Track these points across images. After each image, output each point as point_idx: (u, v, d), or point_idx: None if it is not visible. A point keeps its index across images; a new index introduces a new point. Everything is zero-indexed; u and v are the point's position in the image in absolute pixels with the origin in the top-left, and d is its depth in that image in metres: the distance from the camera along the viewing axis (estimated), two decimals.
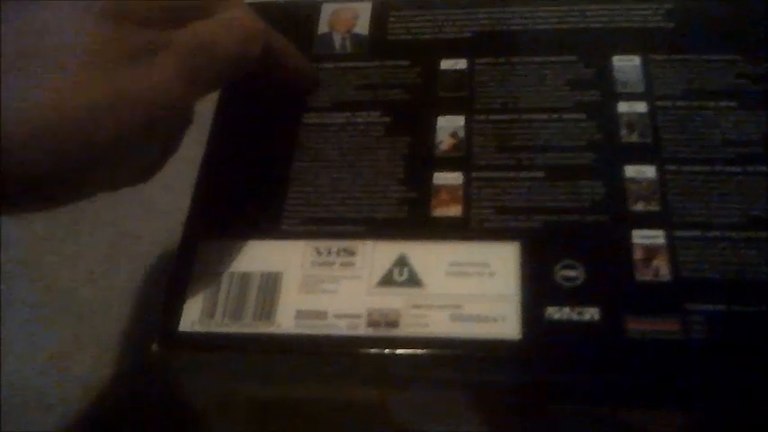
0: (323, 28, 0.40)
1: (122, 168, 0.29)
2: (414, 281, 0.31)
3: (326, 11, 0.40)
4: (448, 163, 0.34)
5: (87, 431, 0.40)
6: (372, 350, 0.30)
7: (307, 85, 0.37)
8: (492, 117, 0.35)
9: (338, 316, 0.30)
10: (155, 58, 0.28)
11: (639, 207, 0.32)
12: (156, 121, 0.28)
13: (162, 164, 0.31)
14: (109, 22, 0.27)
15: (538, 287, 0.30)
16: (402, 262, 0.32)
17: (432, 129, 0.35)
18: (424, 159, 0.34)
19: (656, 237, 0.31)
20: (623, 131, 0.34)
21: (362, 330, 0.30)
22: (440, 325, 0.30)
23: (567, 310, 0.30)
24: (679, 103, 0.34)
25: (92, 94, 0.26)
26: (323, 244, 0.32)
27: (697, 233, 0.31)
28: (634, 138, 0.34)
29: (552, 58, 0.36)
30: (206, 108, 0.37)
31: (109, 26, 0.27)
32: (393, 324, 0.30)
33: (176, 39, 0.29)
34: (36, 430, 0.40)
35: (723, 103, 0.34)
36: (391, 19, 0.39)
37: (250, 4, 0.40)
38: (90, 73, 0.26)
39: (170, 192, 0.40)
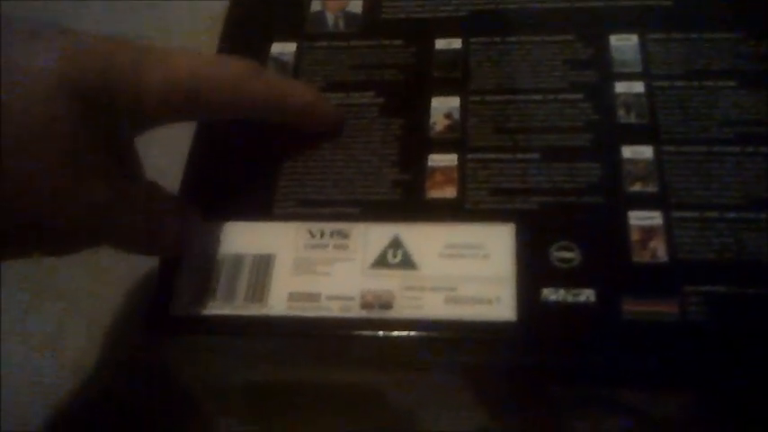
0: (315, 6, 0.39)
1: None
2: (408, 263, 0.31)
3: None
4: (442, 144, 0.34)
5: (81, 414, 0.40)
6: (366, 332, 0.30)
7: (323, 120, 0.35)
8: (487, 98, 0.35)
9: (331, 298, 0.30)
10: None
11: (636, 188, 0.31)
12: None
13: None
14: (78, 112, 0.27)
15: (533, 269, 0.30)
16: (396, 244, 0.31)
17: (426, 110, 0.35)
18: (418, 141, 0.34)
19: (653, 218, 0.31)
20: (620, 112, 0.33)
21: (356, 312, 0.30)
22: (434, 307, 0.30)
23: (562, 291, 0.29)
24: (677, 83, 0.34)
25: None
26: (316, 226, 0.32)
27: (695, 214, 0.31)
28: (631, 118, 0.33)
29: (548, 38, 0.36)
30: None
31: (76, 115, 0.27)
32: (387, 306, 0.30)
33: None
34: (30, 413, 0.39)
35: (722, 83, 0.34)
36: None
37: None
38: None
39: (163, 174, 0.39)
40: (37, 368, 0.41)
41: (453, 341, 0.29)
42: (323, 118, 0.34)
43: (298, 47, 0.38)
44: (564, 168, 0.32)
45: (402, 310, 0.30)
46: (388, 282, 0.30)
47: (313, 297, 0.30)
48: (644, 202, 0.31)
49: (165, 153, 0.36)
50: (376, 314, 0.30)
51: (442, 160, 0.33)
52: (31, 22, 0.28)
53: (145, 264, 0.42)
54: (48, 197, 0.27)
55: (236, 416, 0.36)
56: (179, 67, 0.30)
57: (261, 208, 0.33)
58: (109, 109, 0.28)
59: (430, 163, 0.33)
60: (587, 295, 0.29)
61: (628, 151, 0.32)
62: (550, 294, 0.29)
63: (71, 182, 0.27)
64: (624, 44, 0.35)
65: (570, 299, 0.29)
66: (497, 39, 0.36)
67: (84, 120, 0.27)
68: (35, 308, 0.43)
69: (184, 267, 0.32)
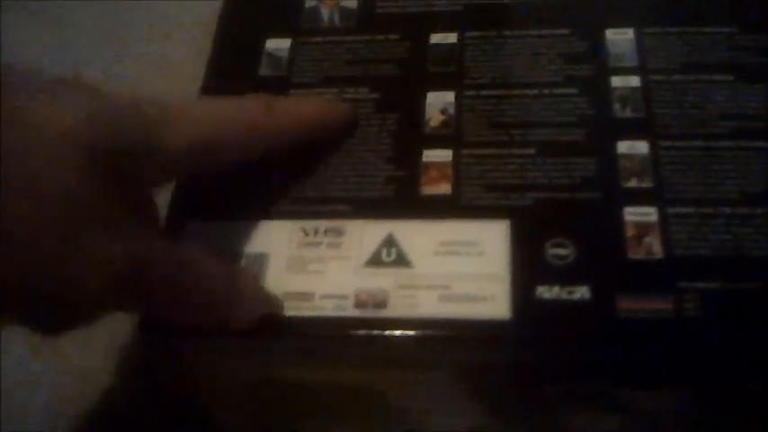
0: (310, 1, 0.39)
1: None
2: (402, 261, 0.31)
3: None
4: (437, 140, 0.33)
5: (81, 415, 0.40)
6: (360, 332, 0.29)
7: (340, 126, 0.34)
8: (482, 92, 0.34)
9: (325, 297, 0.30)
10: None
11: (632, 183, 0.31)
12: None
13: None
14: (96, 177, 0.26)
15: (528, 266, 0.30)
16: (390, 242, 0.31)
17: (421, 105, 0.34)
18: (412, 136, 0.34)
19: (648, 214, 0.30)
20: (616, 106, 0.33)
21: (350, 311, 0.30)
22: (429, 305, 0.29)
23: (557, 289, 0.29)
24: (673, 77, 0.34)
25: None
26: (310, 224, 0.32)
27: (690, 210, 0.30)
28: (627, 113, 0.33)
29: (544, 32, 0.36)
30: (192, 87, 0.37)
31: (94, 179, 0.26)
32: (381, 305, 0.30)
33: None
34: (29, 414, 0.39)
35: (718, 77, 0.33)
36: None
37: None
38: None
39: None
40: (36, 369, 0.41)
41: (448, 340, 0.29)
42: (339, 123, 0.34)
43: (293, 42, 0.37)
44: (559, 164, 0.32)
45: (396, 309, 0.29)
46: (383, 280, 0.30)
47: (307, 296, 0.30)
48: (639, 197, 0.31)
49: None
50: (370, 313, 0.29)
51: (436, 156, 0.33)
52: (43, 75, 0.27)
53: None
54: (63, 259, 0.25)
55: (231, 416, 0.36)
56: (198, 124, 0.29)
57: (255, 206, 0.33)
58: (126, 169, 0.27)
59: (424, 159, 0.33)
60: (582, 292, 0.29)
61: (623, 146, 0.32)
62: (545, 292, 0.29)
63: (86, 242, 0.25)
64: (620, 38, 0.35)
65: (565, 296, 0.29)
66: (492, 33, 0.36)
67: (98, 182, 0.26)
68: None
69: None
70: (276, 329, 0.30)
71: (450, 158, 0.33)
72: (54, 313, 0.27)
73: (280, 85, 0.36)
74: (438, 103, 0.34)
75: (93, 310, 0.28)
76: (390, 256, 0.31)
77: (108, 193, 0.26)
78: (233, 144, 0.31)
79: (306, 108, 0.34)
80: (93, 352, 0.41)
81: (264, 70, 0.37)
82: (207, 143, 0.30)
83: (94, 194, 0.26)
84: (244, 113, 0.31)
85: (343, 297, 0.30)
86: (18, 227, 0.24)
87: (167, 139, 0.28)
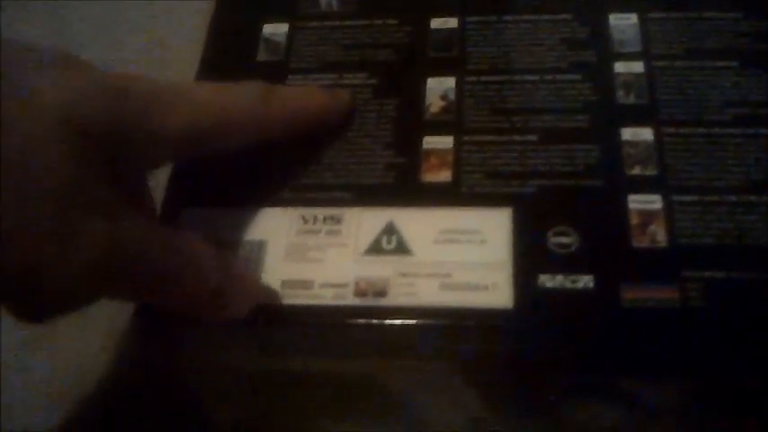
0: None
1: None
2: (402, 249, 0.30)
3: None
4: (438, 126, 0.33)
5: (82, 414, 0.39)
6: (360, 320, 0.29)
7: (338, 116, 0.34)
8: (483, 78, 0.34)
9: (324, 286, 0.30)
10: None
11: (636, 171, 0.31)
12: None
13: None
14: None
15: (530, 254, 0.30)
16: (390, 229, 0.31)
17: (421, 91, 0.34)
18: (413, 123, 0.33)
19: (652, 202, 0.30)
20: (620, 93, 0.33)
21: (349, 300, 0.29)
22: (429, 294, 0.29)
23: (560, 277, 0.29)
24: (677, 63, 0.33)
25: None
26: (309, 211, 0.31)
27: (695, 197, 0.30)
28: (631, 99, 0.33)
29: (546, 17, 0.35)
30: (189, 72, 0.36)
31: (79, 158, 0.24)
32: (381, 293, 0.29)
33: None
34: (30, 414, 0.39)
35: (723, 63, 0.33)
36: None
37: None
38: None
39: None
40: (36, 368, 0.41)
41: (449, 329, 0.29)
42: (338, 113, 0.34)
43: (290, 27, 0.37)
44: (562, 151, 0.32)
45: (396, 298, 0.29)
46: (383, 268, 0.30)
47: (306, 285, 0.30)
48: (643, 185, 0.30)
49: None
50: (370, 302, 0.29)
51: (437, 143, 0.33)
52: (39, 52, 0.26)
53: None
54: (46, 238, 0.24)
55: (228, 406, 0.35)
56: (195, 108, 0.29)
57: (252, 193, 0.32)
58: (119, 149, 0.26)
59: (425, 146, 0.33)
60: (585, 281, 0.29)
61: (627, 133, 0.32)
62: (548, 280, 0.29)
63: (70, 222, 0.24)
64: (623, 23, 0.34)
65: (568, 285, 0.29)
66: (494, 18, 0.36)
67: (88, 160, 0.25)
68: None
69: None
70: (273, 319, 0.29)
71: (451, 145, 0.32)
72: (38, 297, 0.26)
73: (277, 71, 0.35)
74: (438, 88, 0.34)
75: (78, 295, 0.27)
76: (390, 243, 0.30)
77: (98, 172, 0.25)
78: (229, 129, 0.30)
79: (304, 98, 0.33)
80: (95, 348, 0.40)
81: (262, 55, 0.36)
82: (203, 127, 0.29)
83: (83, 172, 0.25)
84: (241, 99, 0.31)
85: (343, 285, 0.29)
86: (2, 206, 0.23)
87: (163, 120, 0.27)
